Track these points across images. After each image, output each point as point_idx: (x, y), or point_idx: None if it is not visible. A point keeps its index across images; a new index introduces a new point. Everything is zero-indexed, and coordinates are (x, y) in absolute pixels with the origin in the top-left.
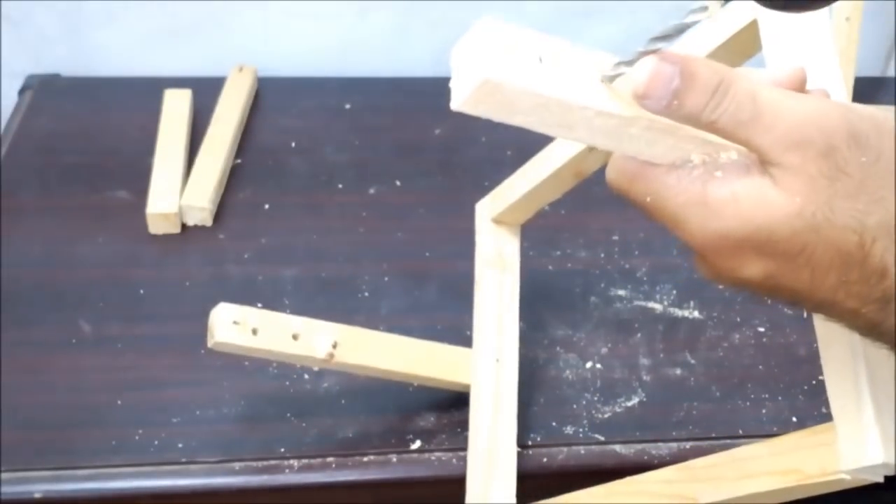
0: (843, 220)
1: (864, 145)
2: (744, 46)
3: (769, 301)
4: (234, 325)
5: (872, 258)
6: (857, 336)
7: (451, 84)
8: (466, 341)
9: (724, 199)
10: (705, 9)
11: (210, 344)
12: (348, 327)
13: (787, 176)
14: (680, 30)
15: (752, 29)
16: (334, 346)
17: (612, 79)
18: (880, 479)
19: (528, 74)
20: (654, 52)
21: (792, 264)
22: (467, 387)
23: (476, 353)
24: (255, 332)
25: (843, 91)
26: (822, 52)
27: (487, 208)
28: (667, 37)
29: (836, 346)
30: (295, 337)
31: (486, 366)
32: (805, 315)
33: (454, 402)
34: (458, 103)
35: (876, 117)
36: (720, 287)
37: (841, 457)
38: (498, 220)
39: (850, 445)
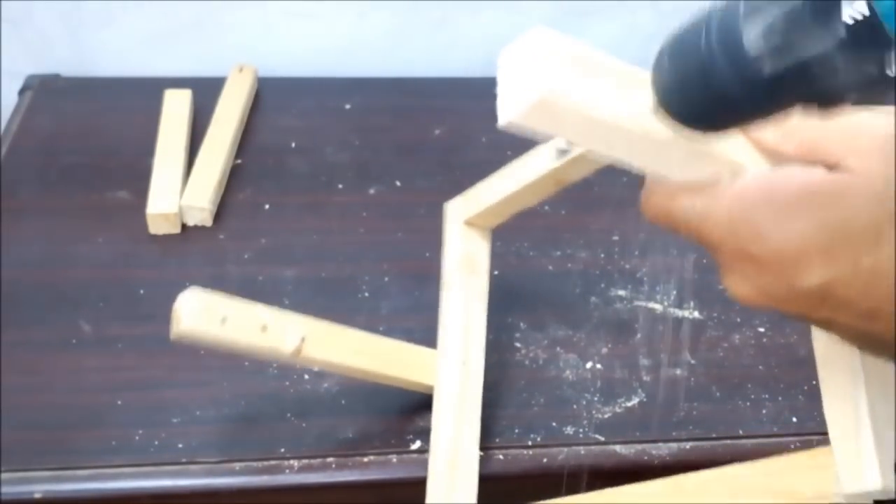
0: None
1: None
2: None
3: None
4: (201, 315)
5: None
6: (858, 360)
7: (500, 97)
8: None
9: (794, 195)
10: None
11: (174, 333)
12: (318, 322)
13: (861, 161)
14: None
15: None
16: (302, 341)
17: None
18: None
19: (580, 93)
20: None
21: (854, 267)
22: (432, 388)
23: (441, 354)
24: (223, 321)
25: None
26: None
27: (459, 209)
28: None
29: (837, 369)
30: (263, 329)
31: (451, 368)
32: None
33: None
34: (509, 119)
35: None
36: (721, 288)
37: (839, 481)
38: (470, 223)
39: (849, 470)
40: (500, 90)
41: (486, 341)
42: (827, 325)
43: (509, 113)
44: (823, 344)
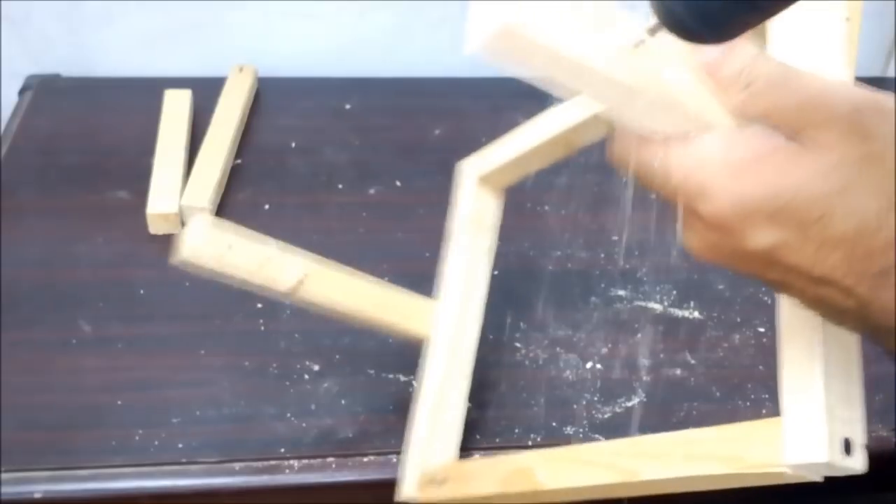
0: (871, 182)
1: (887, 115)
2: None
3: (769, 301)
4: (204, 243)
5: (883, 230)
6: (819, 333)
7: (468, 27)
8: None
9: (748, 159)
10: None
11: (177, 258)
12: (321, 264)
13: (818, 134)
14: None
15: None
16: (300, 281)
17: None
18: (819, 479)
19: (548, 27)
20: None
21: (802, 235)
22: (427, 338)
23: (439, 306)
24: (223, 255)
25: None
26: (830, 53)
27: (473, 167)
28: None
29: (797, 340)
30: (262, 265)
31: (447, 320)
32: None
33: None
34: (473, 46)
35: (892, 99)
36: (714, 275)
37: (785, 450)
38: (483, 180)
39: (796, 441)
40: (470, 21)
41: (482, 334)
42: (780, 287)
43: (474, 42)
44: (787, 313)
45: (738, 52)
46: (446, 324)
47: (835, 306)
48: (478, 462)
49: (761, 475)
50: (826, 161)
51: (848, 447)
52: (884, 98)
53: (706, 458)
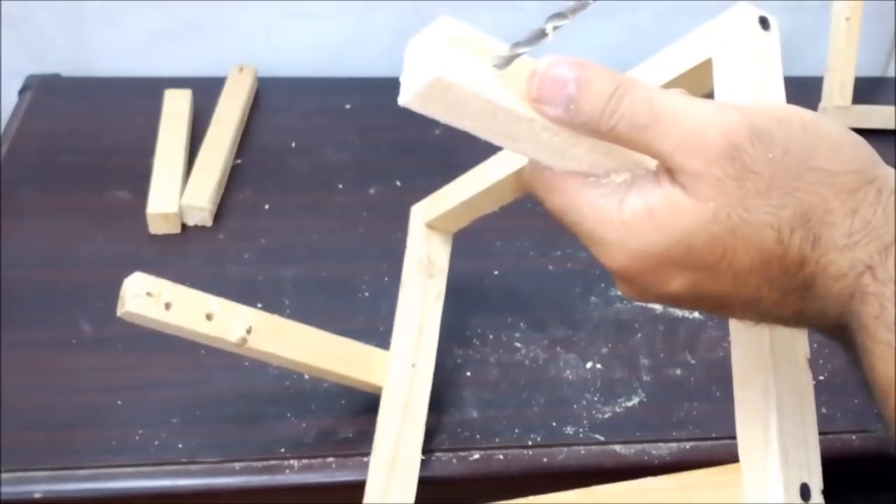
0: (759, 218)
1: (768, 142)
2: (696, 84)
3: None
4: (146, 297)
5: (791, 250)
6: (772, 378)
7: (402, 78)
8: (466, 342)
9: (639, 213)
10: (545, 34)
11: (119, 313)
12: (266, 314)
13: (695, 181)
14: (539, 37)
15: (705, 67)
16: (248, 332)
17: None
18: None
19: (480, 79)
20: (516, 55)
21: (714, 272)
22: (380, 389)
23: (393, 356)
24: (167, 306)
25: None
26: (774, 97)
27: (423, 212)
28: (527, 43)
29: (751, 387)
30: (209, 317)
31: (400, 370)
32: None
33: (453, 403)
34: (406, 99)
35: (777, 113)
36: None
37: (742, 498)
38: (431, 226)
39: (752, 488)
40: (403, 75)
41: (482, 334)
42: (720, 313)
43: (406, 94)
44: (739, 357)
45: (595, 85)
46: (399, 375)
47: (775, 316)
48: None
49: None
50: (709, 208)
51: (805, 493)
52: (763, 121)
53: None
